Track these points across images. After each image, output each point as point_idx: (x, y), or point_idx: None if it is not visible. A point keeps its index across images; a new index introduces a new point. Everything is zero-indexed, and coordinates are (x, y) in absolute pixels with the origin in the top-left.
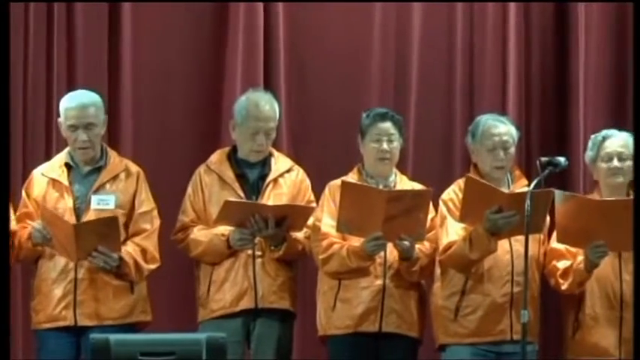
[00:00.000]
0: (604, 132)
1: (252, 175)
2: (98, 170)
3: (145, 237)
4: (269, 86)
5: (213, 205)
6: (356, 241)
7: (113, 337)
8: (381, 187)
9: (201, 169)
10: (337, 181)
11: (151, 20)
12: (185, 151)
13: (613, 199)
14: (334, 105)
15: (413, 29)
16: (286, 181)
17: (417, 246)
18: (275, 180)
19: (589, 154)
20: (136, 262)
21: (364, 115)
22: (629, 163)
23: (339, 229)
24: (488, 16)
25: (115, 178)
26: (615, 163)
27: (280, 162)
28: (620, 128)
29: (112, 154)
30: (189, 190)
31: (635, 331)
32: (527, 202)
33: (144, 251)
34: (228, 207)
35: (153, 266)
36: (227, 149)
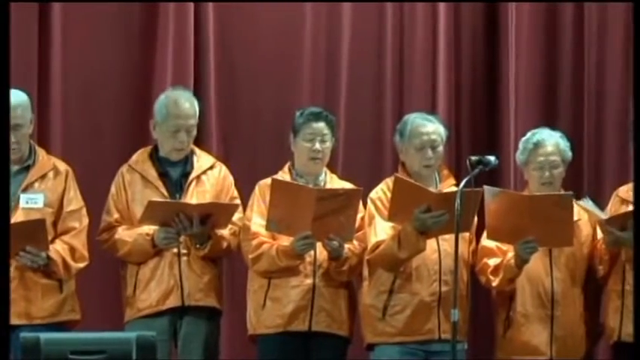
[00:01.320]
0: (536, 137)
1: (174, 174)
2: (26, 169)
3: (74, 235)
4: (199, 85)
5: (137, 205)
6: (285, 241)
7: (43, 336)
8: (311, 186)
9: (124, 168)
10: (267, 180)
11: (81, 20)
12: (115, 150)
13: (542, 194)
14: (264, 104)
15: (343, 29)
16: (209, 178)
17: (346, 245)
18: (198, 177)
19: (520, 157)
20: (64, 261)
21: (298, 113)
22: (561, 169)
23: (268, 228)
24: (418, 16)
25: (43, 176)
26: (547, 173)
27: (202, 159)
28: (551, 127)
29: (41, 153)
30: (113, 189)
31: (634, 331)
32: (458, 201)
33: (72, 250)
34: (152, 207)
35: (81, 265)
36: (149, 148)
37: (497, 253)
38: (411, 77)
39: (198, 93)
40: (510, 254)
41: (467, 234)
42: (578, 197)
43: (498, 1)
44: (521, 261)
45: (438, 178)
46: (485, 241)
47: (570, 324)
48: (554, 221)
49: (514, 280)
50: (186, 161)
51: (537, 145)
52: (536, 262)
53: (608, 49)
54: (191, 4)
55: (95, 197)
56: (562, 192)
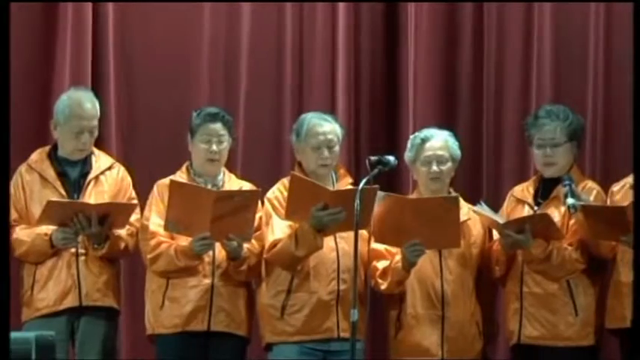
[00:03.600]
0: (424, 133)
1: (73, 174)
2: None
3: None
4: (97, 86)
5: (35, 204)
6: (184, 241)
7: None
8: (209, 186)
9: (22, 168)
10: (165, 180)
11: None
12: (13, 151)
13: (427, 197)
14: (163, 104)
15: (242, 29)
16: (107, 178)
17: (245, 245)
18: (96, 178)
19: (408, 154)
20: None
21: (194, 114)
22: (449, 165)
23: (166, 228)
24: (317, 16)
25: None
26: (434, 167)
27: (101, 160)
28: (448, 128)
29: None
30: (11, 189)
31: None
32: (357, 200)
33: None
34: (50, 207)
35: None
36: (47, 148)
37: (385, 255)
38: (310, 77)
39: (97, 93)
40: (398, 257)
41: (365, 233)
42: (477, 198)
43: (397, 1)
44: (409, 264)
45: (334, 178)
46: (374, 244)
47: (461, 324)
48: (440, 223)
49: (402, 283)
50: (85, 161)
51: (425, 140)
52: (426, 263)
53: (507, 49)
54: (89, 5)
55: None
56: (450, 193)
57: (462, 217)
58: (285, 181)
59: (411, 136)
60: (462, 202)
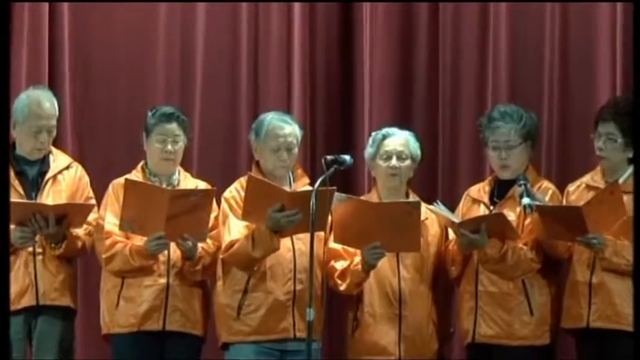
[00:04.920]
0: (385, 130)
1: (31, 172)
2: None
3: None
4: (54, 84)
5: None
6: (139, 240)
7: None
8: (164, 185)
9: None
10: (121, 180)
11: None
12: None
13: (389, 202)
14: (119, 103)
15: (197, 29)
16: (65, 177)
17: (200, 245)
18: (54, 177)
19: (369, 150)
20: None
21: (150, 113)
22: (408, 162)
23: (122, 227)
24: (272, 16)
25: None
26: (394, 162)
27: (59, 159)
28: (405, 127)
29: None
30: None
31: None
32: (313, 200)
33: None
34: None
35: None
36: None
37: (343, 255)
38: (266, 76)
39: (54, 92)
40: (357, 259)
41: (321, 233)
42: (433, 198)
43: (353, 1)
44: (369, 266)
45: (291, 178)
46: (333, 244)
47: (418, 323)
48: (400, 227)
49: (361, 284)
50: (43, 160)
51: (386, 136)
52: (384, 262)
53: (463, 48)
54: (46, 5)
55: None
56: (408, 193)
57: (420, 217)
58: (243, 180)
59: (373, 133)
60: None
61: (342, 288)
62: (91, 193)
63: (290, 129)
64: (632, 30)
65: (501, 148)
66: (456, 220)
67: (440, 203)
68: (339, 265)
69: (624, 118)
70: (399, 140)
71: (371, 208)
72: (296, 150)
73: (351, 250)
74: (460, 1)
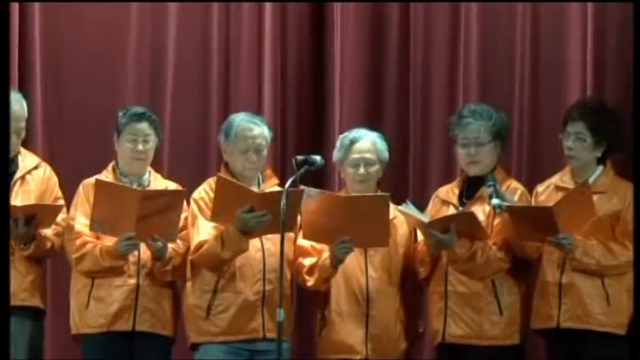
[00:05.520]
0: (353, 134)
1: None
2: None
3: None
4: (24, 85)
5: None
6: (109, 241)
7: None
8: (135, 186)
9: None
10: (91, 180)
11: None
12: None
13: (358, 195)
14: (90, 103)
15: (169, 29)
16: (34, 178)
17: (170, 246)
18: (23, 177)
19: (337, 154)
20: None
21: (121, 113)
22: (377, 167)
23: (92, 227)
24: (243, 16)
25: None
26: (362, 170)
27: (27, 159)
28: (375, 128)
29: None
30: None
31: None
32: (283, 200)
33: None
34: None
35: None
36: None
37: (311, 252)
38: (237, 77)
39: (24, 92)
40: (326, 254)
41: (291, 234)
42: (403, 198)
43: (324, 1)
44: (337, 261)
45: (261, 178)
46: (301, 241)
47: (386, 323)
48: (369, 222)
49: (329, 280)
50: (12, 161)
51: (353, 141)
52: (352, 261)
53: (434, 48)
54: (16, 4)
55: None
56: (378, 192)
57: (389, 216)
58: (212, 181)
59: (340, 136)
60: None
61: (309, 284)
62: (60, 194)
63: (259, 130)
64: (633, 30)
65: (471, 145)
66: (425, 219)
67: (409, 203)
68: (308, 261)
69: (593, 117)
70: (367, 146)
71: (340, 202)
72: (265, 152)
73: (319, 247)
74: (431, 1)
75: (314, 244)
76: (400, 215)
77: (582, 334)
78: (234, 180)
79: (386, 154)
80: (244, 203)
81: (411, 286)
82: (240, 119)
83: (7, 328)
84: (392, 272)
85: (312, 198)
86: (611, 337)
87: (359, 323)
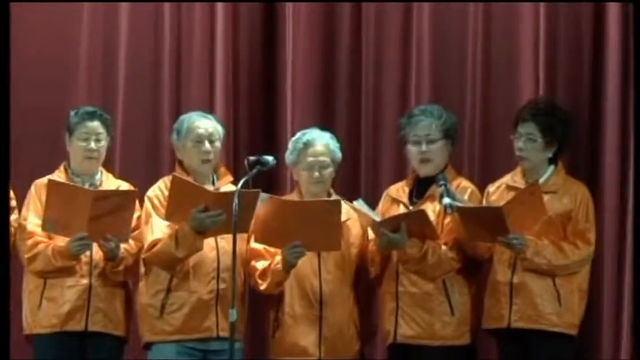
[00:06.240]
0: (306, 136)
1: None
2: None
3: None
4: None
5: None
6: (62, 241)
7: None
8: (87, 186)
9: None
10: (43, 180)
11: None
12: None
13: (310, 200)
14: (41, 103)
15: (120, 28)
16: None
17: (122, 246)
18: None
19: (290, 157)
20: None
21: (72, 113)
22: (331, 169)
23: (44, 227)
24: (195, 16)
25: None
26: (316, 173)
27: None
28: (327, 128)
29: None
30: None
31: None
32: (235, 200)
33: None
34: None
35: None
36: None
37: (264, 255)
38: (188, 76)
39: None
40: (278, 258)
41: (245, 233)
42: (354, 197)
43: (276, 1)
44: (289, 265)
45: (215, 176)
46: (254, 244)
47: (339, 324)
48: (321, 226)
49: (282, 283)
50: None
51: (307, 144)
52: (305, 263)
53: (386, 49)
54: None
55: None
56: (332, 194)
57: (342, 217)
58: (167, 179)
59: (293, 139)
60: (342, 201)
61: (262, 287)
62: (12, 194)
63: (211, 123)
64: (633, 31)
65: (422, 142)
66: (377, 218)
67: (362, 201)
68: (260, 264)
69: (544, 118)
70: (321, 149)
71: (292, 207)
72: (218, 144)
73: (272, 250)
74: (383, 1)
75: (267, 247)
76: (353, 216)
77: (533, 334)
78: (189, 179)
79: (339, 155)
80: (199, 202)
81: (365, 286)
82: (191, 115)
83: (8, 328)
84: (345, 273)
85: (263, 202)
86: (562, 337)
87: (312, 325)
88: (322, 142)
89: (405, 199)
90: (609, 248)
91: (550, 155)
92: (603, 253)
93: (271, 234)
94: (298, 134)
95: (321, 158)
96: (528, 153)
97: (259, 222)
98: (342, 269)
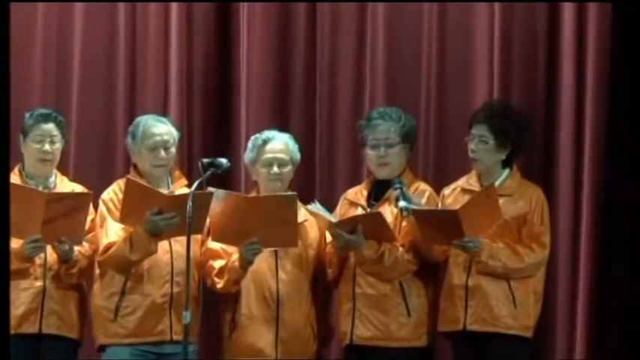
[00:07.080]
0: (265, 134)
1: None
2: None
3: None
4: None
5: None
6: (15, 243)
7: None
8: (40, 188)
9: None
10: None
11: None
12: None
13: (265, 195)
14: None
15: (75, 29)
16: None
17: (76, 248)
18: None
19: (249, 155)
20: None
21: (27, 115)
22: (289, 167)
23: None
24: (150, 16)
25: None
26: (275, 169)
27: None
28: (282, 129)
29: None
30: None
31: None
32: (189, 203)
33: None
34: None
35: None
36: None
37: (222, 254)
38: (143, 77)
39: None
40: (235, 256)
41: (199, 236)
42: (310, 200)
43: (230, 1)
44: (246, 262)
45: (169, 180)
46: (211, 243)
47: (296, 326)
48: (278, 222)
49: (239, 281)
50: None
51: (266, 141)
52: (262, 264)
53: (340, 50)
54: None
55: None
56: (287, 192)
57: (300, 219)
58: (121, 182)
59: (253, 137)
60: (299, 203)
61: (219, 286)
62: None
63: (166, 128)
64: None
65: (380, 146)
66: (333, 219)
67: (318, 203)
68: (217, 263)
69: (497, 120)
70: (280, 146)
71: (247, 203)
72: (173, 149)
73: (229, 249)
74: (338, 1)
75: (224, 246)
76: (311, 217)
77: (488, 337)
78: (143, 182)
79: (298, 156)
80: (153, 205)
81: (322, 288)
82: (147, 119)
83: (7, 328)
84: (302, 275)
85: (220, 200)
86: (517, 340)
87: (269, 326)
88: (282, 140)
89: (363, 202)
90: (563, 249)
91: (503, 157)
92: (557, 254)
93: (228, 232)
94: (257, 134)
95: (280, 155)
96: (480, 155)
97: (216, 220)
98: (299, 270)
